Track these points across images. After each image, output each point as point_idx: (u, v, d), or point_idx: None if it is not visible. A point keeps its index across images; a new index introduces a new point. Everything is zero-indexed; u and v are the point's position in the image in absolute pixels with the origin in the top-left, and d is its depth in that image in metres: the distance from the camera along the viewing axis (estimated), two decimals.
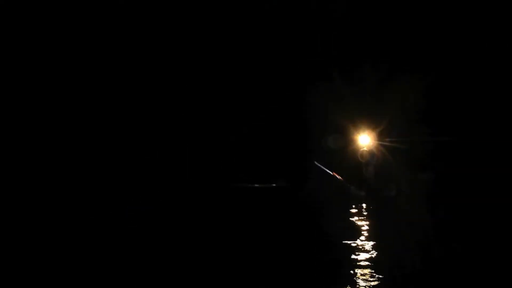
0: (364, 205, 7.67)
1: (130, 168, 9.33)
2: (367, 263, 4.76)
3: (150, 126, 10.27)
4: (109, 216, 7.03)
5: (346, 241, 5.52)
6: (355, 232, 5.98)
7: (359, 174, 8.22)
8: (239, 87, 10.74)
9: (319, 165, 8.36)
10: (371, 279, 4.32)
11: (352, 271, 4.53)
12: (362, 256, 4.97)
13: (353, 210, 7.36)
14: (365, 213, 7.16)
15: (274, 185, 8.95)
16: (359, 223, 6.49)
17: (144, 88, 10.52)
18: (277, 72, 10.82)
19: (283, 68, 10.84)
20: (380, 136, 8.39)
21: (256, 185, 8.90)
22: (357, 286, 4.20)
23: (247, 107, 10.59)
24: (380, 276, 4.35)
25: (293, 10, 10.84)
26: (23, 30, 10.10)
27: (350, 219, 6.73)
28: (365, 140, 8.38)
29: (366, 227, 6.22)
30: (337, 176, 8.20)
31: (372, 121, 9.25)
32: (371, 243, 5.46)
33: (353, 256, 4.99)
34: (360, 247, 5.31)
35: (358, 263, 4.76)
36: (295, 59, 10.83)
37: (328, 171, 8.27)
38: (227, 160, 9.88)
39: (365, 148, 8.25)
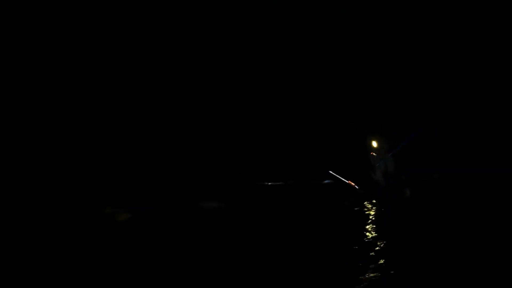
0: (375, 208, 7.63)
1: (130, 168, 9.32)
2: (374, 263, 4.75)
3: (150, 126, 10.26)
4: (109, 216, 7.03)
5: (352, 241, 5.52)
6: (366, 232, 5.96)
7: (369, 178, 8.21)
8: (239, 87, 10.73)
9: (333, 173, 8.34)
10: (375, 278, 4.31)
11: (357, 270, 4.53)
12: (370, 257, 4.97)
13: (365, 213, 7.31)
14: (375, 216, 7.12)
15: (270, 183, 8.93)
16: (370, 225, 6.46)
17: (144, 88, 10.52)
18: (277, 72, 10.82)
19: (283, 68, 10.83)
20: (390, 140, 8.36)
21: (268, 183, 8.87)
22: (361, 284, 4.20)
23: (247, 107, 10.58)
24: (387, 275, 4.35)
25: (293, 10, 10.83)
26: (23, 30, 10.10)
27: (361, 221, 6.68)
28: (375, 144, 8.35)
29: (376, 229, 6.20)
30: (353, 184, 8.17)
31: (381, 124, 9.24)
32: (381, 242, 5.45)
33: (359, 257, 4.98)
34: (368, 247, 5.29)
35: (365, 264, 4.75)
36: (295, 59, 10.83)
37: (343, 179, 8.24)
38: (227, 160, 9.88)
39: (374, 154, 8.22)
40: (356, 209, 7.37)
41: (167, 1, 10.66)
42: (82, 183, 8.79)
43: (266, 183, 8.93)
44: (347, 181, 8.22)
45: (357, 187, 8.19)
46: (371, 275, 4.39)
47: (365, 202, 7.80)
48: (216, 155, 10.00)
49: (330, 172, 8.39)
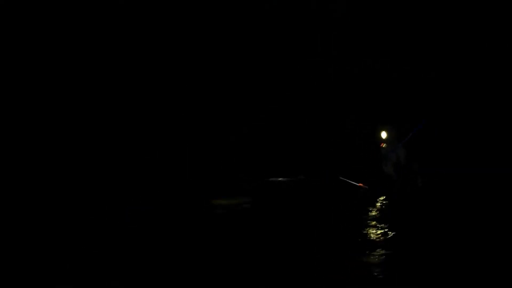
0: (385, 202, 7.56)
1: (130, 168, 9.32)
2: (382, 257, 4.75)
3: (150, 126, 10.26)
4: (109, 216, 7.02)
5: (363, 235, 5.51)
6: (367, 231, 5.95)
7: (379, 170, 8.03)
8: (239, 87, 10.74)
9: (344, 179, 8.20)
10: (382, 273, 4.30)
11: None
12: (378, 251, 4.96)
13: (368, 210, 7.24)
14: (379, 213, 7.08)
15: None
16: (372, 223, 6.43)
17: (144, 88, 10.52)
18: (277, 72, 10.83)
19: (283, 68, 10.84)
20: (401, 129, 8.08)
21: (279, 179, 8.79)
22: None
23: (247, 107, 10.58)
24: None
25: (293, 10, 10.84)
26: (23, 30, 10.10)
27: (363, 219, 6.63)
28: (384, 135, 8.05)
29: (379, 227, 6.18)
30: (363, 186, 8.04)
31: (391, 114, 9.05)
32: (383, 241, 5.44)
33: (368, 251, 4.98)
34: (370, 246, 5.29)
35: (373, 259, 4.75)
36: (295, 59, 10.83)
37: (354, 183, 8.11)
38: (227, 160, 9.88)
39: (384, 145, 8.00)
40: (359, 206, 7.33)
41: (167, 1, 10.66)
42: (82, 183, 8.78)
43: (275, 179, 8.83)
44: (358, 184, 8.08)
45: (367, 187, 8.05)
46: (372, 275, 4.39)
47: (370, 200, 7.73)
48: (216, 155, 10.00)
49: (341, 178, 8.26)
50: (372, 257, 4.91)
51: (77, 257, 5.12)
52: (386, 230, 6.01)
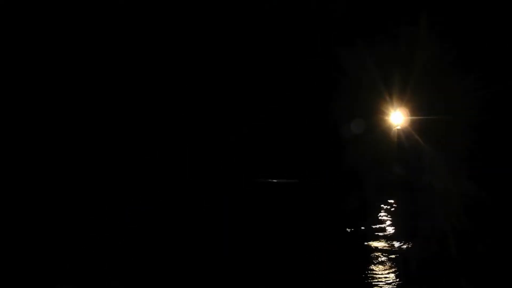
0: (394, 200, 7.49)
1: (130, 168, 9.31)
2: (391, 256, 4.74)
3: (150, 126, 10.25)
4: (109, 216, 7.02)
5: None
6: (368, 231, 5.93)
7: (392, 161, 7.89)
8: (239, 87, 10.73)
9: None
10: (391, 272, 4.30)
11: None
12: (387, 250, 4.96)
13: (369, 211, 7.18)
14: (394, 207, 7.01)
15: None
16: (373, 223, 6.39)
17: (144, 88, 10.51)
18: (277, 72, 10.82)
19: (283, 68, 10.83)
20: (415, 113, 7.77)
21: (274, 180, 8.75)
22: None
23: (247, 107, 10.58)
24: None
25: (293, 10, 10.83)
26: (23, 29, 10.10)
27: (364, 220, 6.60)
28: (398, 118, 7.74)
29: (380, 227, 6.17)
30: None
31: (404, 94, 8.68)
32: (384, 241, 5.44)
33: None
34: (370, 246, 5.28)
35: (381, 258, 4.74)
36: (295, 59, 10.83)
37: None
38: (227, 160, 9.87)
39: (398, 127, 7.79)
40: (360, 208, 7.31)
41: (168, 1, 10.66)
42: (82, 183, 8.78)
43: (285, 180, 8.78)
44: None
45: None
46: (371, 275, 4.39)
47: (371, 201, 7.71)
48: (216, 155, 9.99)
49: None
50: (372, 257, 4.91)
51: (77, 257, 5.11)
52: (387, 230, 6.01)
